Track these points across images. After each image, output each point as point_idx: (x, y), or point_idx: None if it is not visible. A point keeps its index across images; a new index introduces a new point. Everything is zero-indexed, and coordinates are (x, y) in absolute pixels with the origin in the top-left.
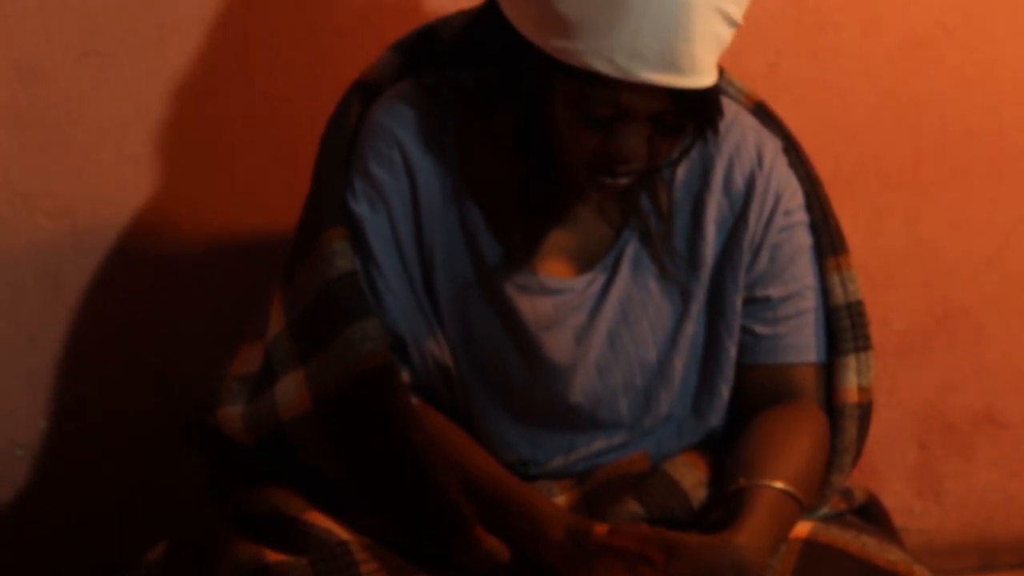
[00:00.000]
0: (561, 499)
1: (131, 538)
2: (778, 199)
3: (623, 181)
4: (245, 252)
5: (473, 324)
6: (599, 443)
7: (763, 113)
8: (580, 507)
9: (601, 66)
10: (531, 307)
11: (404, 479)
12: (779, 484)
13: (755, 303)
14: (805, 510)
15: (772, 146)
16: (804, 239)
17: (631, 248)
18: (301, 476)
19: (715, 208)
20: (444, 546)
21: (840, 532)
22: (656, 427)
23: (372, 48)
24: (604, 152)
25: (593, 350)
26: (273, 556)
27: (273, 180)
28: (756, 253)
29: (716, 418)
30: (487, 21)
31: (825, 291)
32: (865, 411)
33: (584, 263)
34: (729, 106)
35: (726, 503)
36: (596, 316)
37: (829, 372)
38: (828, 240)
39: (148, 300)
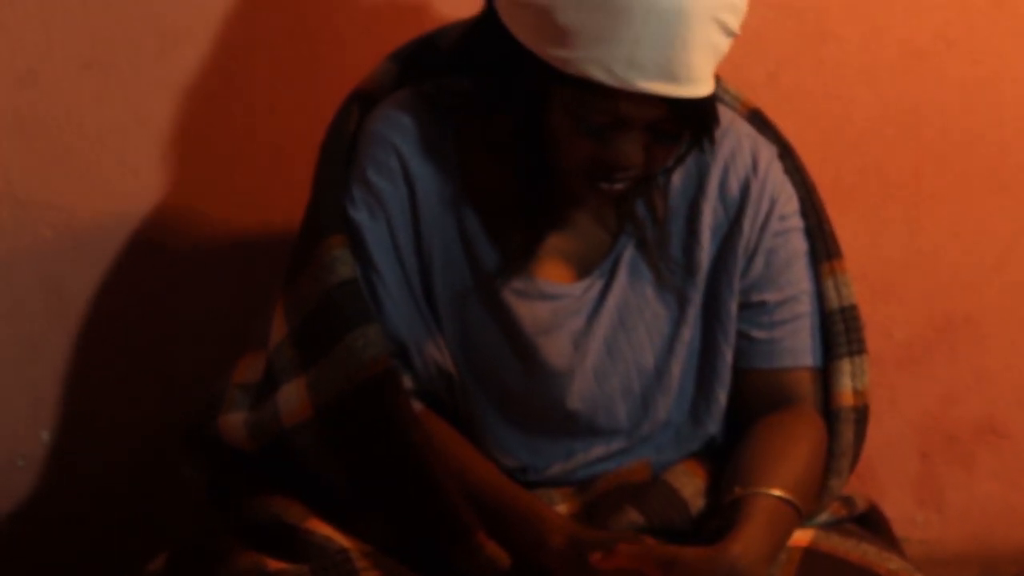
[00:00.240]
0: (562, 508)
1: (132, 549)
2: (773, 204)
3: (619, 187)
4: (247, 261)
5: (471, 329)
6: (598, 449)
7: (758, 120)
8: (581, 516)
9: (599, 75)
10: (529, 312)
11: (406, 484)
12: (776, 491)
13: (751, 308)
14: (804, 516)
15: (767, 152)
16: (799, 244)
17: (628, 254)
18: (302, 484)
19: (710, 214)
20: (445, 552)
21: (841, 541)
22: (654, 433)
23: (372, 58)
24: (601, 159)
25: (591, 355)
26: (274, 564)
27: (274, 189)
28: (751, 258)
29: (714, 424)
30: (485, 29)
31: (820, 296)
32: (861, 414)
33: (581, 269)
34: (724, 113)
35: (723, 513)
36: (593, 322)
37: (825, 376)
38: (823, 245)
39: (150, 310)
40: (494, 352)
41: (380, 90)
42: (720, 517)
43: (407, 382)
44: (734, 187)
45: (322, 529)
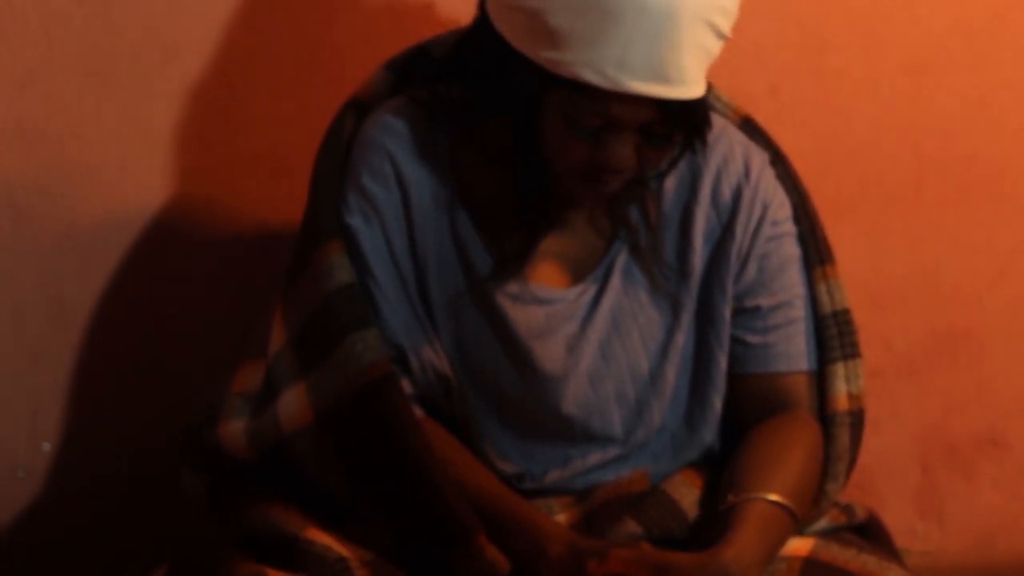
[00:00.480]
0: (561, 517)
1: (133, 559)
2: (765, 210)
3: (611, 188)
4: (247, 269)
5: (466, 334)
6: (594, 456)
7: (750, 128)
8: (580, 526)
9: (591, 77)
10: (523, 317)
11: (406, 488)
12: (770, 496)
13: (745, 313)
14: (800, 520)
15: (759, 158)
16: (792, 250)
17: (622, 259)
18: (302, 492)
19: (703, 220)
20: (445, 556)
21: (841, 550)
22: (650, 440)
23: (371, 66)
24: (593, 161)
25: (585, 360)
26: (273, 574)
27: (274, 196)
28: (744, 263)
29: (710, 431)
30: (478, 34)
31: (813, 300)
32: (857, 418)
33: (575, 273)
34: (716, 120)
35: (719, 520)
36: (587, 326)
37: (819, 381)
38: (815, 251)
39: (150, 319)
40: (489, 356)
41: (375, 98)
42: (716, 524)
43: (406, 386)
44: (726, 193)
45: (321, 538)
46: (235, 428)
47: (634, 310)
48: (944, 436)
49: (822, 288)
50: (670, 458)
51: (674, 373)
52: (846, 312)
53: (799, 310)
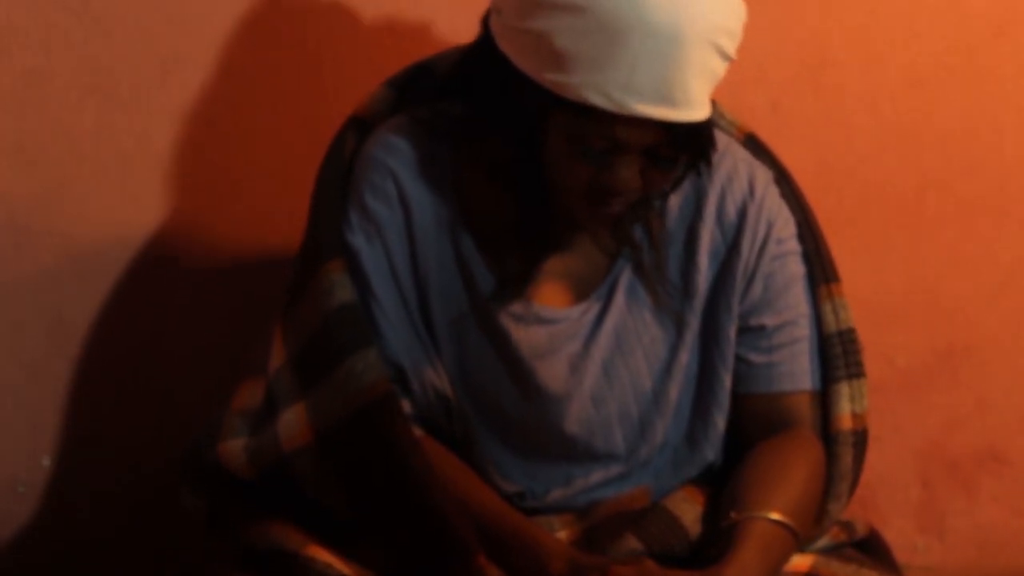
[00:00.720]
0: (562, 534)
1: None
2: (770, 228)
3: (615, 211)
4: (247, 287)
5: (468, 354)
6: (597, 474)
7: (754, 145)
8: (581, 542)
9: (596, 100)
10: (525, 337)
11: (405, 507)
12: (771, 515)
13: (749, 332)
14: (801, 539)
15: (764, 176)
16: (797, 268)
17: (625, 277)
18: (302, 510)
19: (708, 238)
20: (444, 575)
21: (841, 566)
22: (652, 457)
23: (373, 83)
24: (598, 184)
25: (588, 379)
26: None
27: (275, 214)
28: (749, 282)
29: (711, 449)
30: (481, 54)
31: (818, 319)
32: (860, 438)
33: (579, 292)
34: (721, 138)
35: (720, 538)
36: (591, 345)
37: (823, 400)
38: (820, 269)
39: (150, 338)
40: (491, 376)
41: (376, 115)
42: (717, 542)
43: (406, 406)
44: (731, 211)
45: (322, 556)
46: (235, 446)
47: (637, 328)
48: (945, 451)
49: (827, 307)
50: (671, 474)
51: (677, 391)
52: (851, 331)
53: (804, 329)
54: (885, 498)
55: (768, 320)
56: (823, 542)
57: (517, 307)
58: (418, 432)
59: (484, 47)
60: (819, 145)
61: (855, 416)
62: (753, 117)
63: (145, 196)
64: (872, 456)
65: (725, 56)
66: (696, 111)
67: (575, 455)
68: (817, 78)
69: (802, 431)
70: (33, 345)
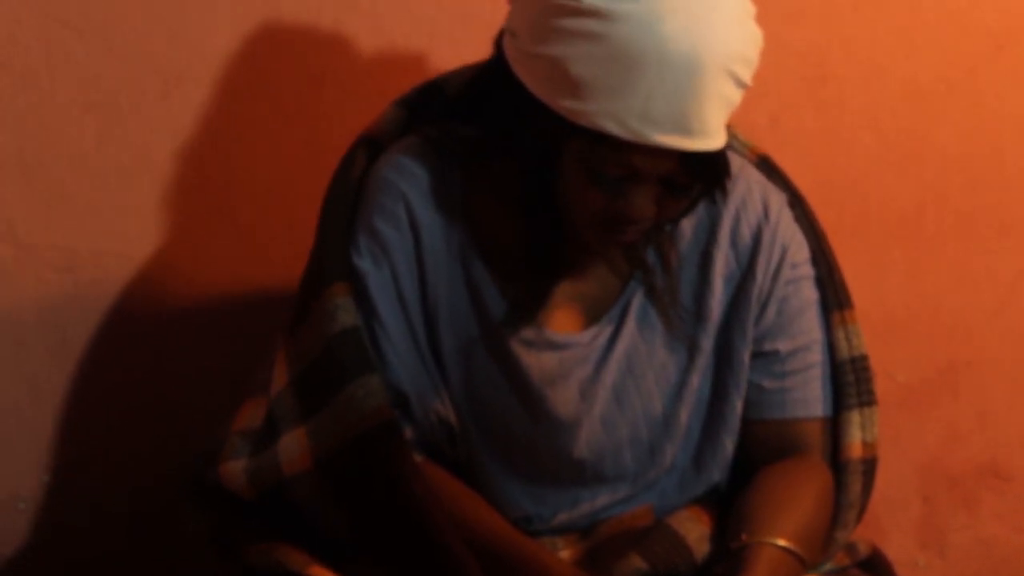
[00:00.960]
0: (565, 553)
1: None
2: (784, 252)
3: (629, 238)
4: (248, 305)
5: (477, 380)
6: (603, 498)
7: (767, 167)
8: (584, 562)
9: (613, 128)
10: (536, 362)
11: (407, 536)
12: (781, 542)
13: (763, 357)
14: (808, 567)
15: (777, 199)
16: (810, 293)
17: (637, 300)
18: (304, 531)
19: (723, 261)
20: None
21: None
22: (659, 479)
23: (376, 103)
24: (612, 211)
25: (598, 404)
26: None
27: (276, 233)
28: (764, 306)
29: (718, 471)
30: (494, 78)
31: (830, 345)
32: (869, 467)
33: (590, 314)
34: (734, 160)
35: (728, 559)
36: (602, 370)
37: (833, 427)
38: (833, 295)
39: (151, 354)
40: (500, 402)
41: (386, 136)
42: (724, 564)
43: (408, 433)
44: (746, 234)
45: None
46: (235, 467)
47: (649, 352)
48: (946, 467)
49: (840, 333)
50: (676, 495)
51: (687, 415)
52: (864, 359)
53: (816, 355)
54: (886, 514)
55: (782, 345)
56: (827, 566)
57: (528, 332)
58: (419, 458)
59: (497, 70)
60: (819, 160)
61: (865, 445)
62: (753, 132)
63: (146, 212)
64: None
65: (741, 84)
66: (712, 140)
67: (583, 479)
68: (817, 93)
69: (812, 457)
70: (34, 361)
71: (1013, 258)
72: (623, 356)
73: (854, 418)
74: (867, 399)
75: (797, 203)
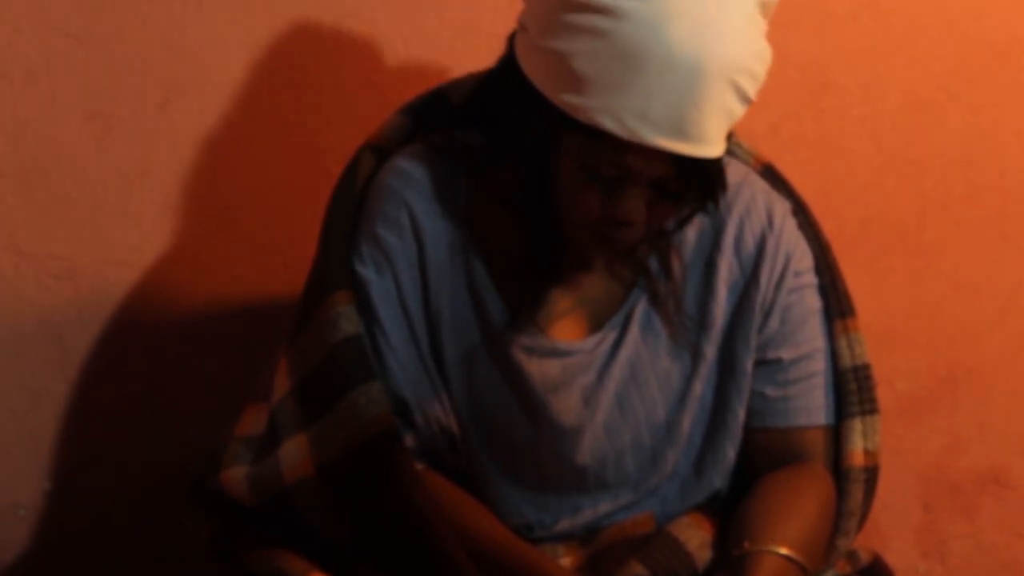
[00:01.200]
0: (566, 560)
1: None
2: (788, 260)
3: (622, 245)
4: (249, 314)
5: (479, 387)
6: (605, 504)
7: (771, 175)
8: (585, 569)
9: (609, 125)
10: (539, 369)
11: (408, 544)
12: (783, 550)
13: (766, 365)
14: (809, 575)
15: (782, 208)
16: (814, 301)
17: (640, 308)
18: (304, 538)
19: (726, 269)
20: None
21: None
22: (661, 485)
23: (377, 111)
24: (604, 212)
25: (601, 411)
26: None
27: (277, 242)
28: (767, 315)
29: (720, 478)
30: (503, 73)
31: (833, 354)
32: (871, 475)
33: (593, 321)
34: (738, 168)
35: (730, 566)
36: (605, 376)
37: (836, 435)
38: (836, 303)
39: (151, 362)
40: (502, 410)
41: (390, 143)
42: (726, 571)
43: (409, 441)
44: (750, 242)
45: None
46: (236, 473)
47: (652, 359)
48: (946, 475)
49: (843, 342)
50: (677, 502)
51: (690, 422)
52: (866, 367)
53: (819, 363)
54: (887, 522)
55: (785, 353)
56: (828, 574)
57: (530, 339)
58: (420, 466)
59: (506, 66)
60: (819, 169)
61: (867, 453)
62: (753, 141)
63: (146, 221)
64: None
65: (744, 98)
66: (709, 148)
67: (585, 486)
68: (817, 102)
69: (814, 466)
70: (34, 368)
71: (1013, 267)
72: (626, 363)
73: (856, 426)
74: (869, 407)
75: (801, 212)
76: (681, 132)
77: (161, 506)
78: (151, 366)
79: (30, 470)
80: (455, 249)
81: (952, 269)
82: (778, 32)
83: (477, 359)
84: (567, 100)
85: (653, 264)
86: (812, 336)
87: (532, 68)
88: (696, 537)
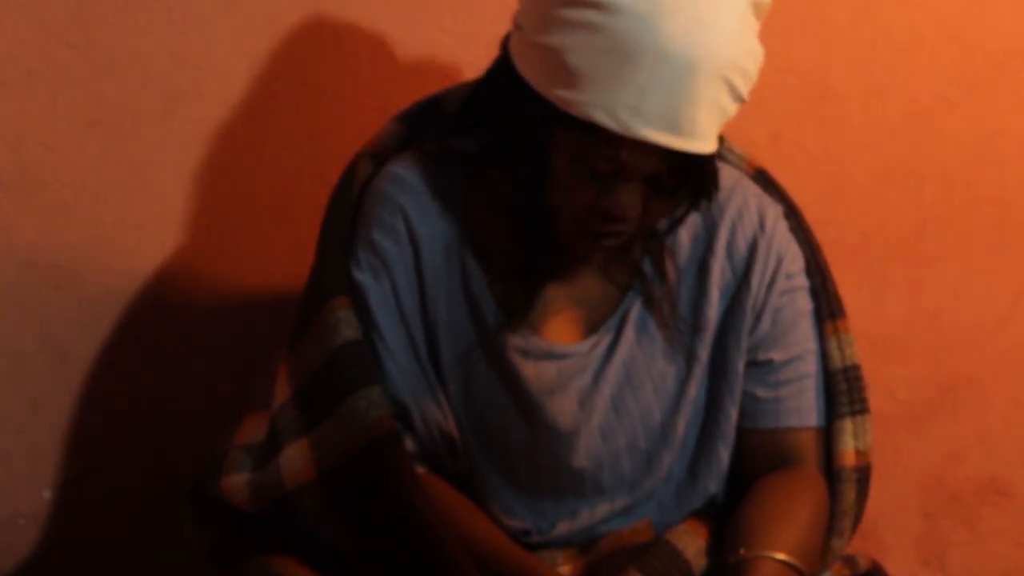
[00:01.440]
0: (565, 569)
1: None
2: (780, 262)
3: (613, 242)
4: (249, 322)
5: (476, 390)
6: (602, 507)
7: (763, 180)
8: None
9: (603, 119)
10: (535, 372)
11: (409, 546)
12: (779, 555)
13: (757, 367)
14: None
15: (773, 211)
16: (805, 303)
17: (635, 310)
18: (304, 544)
19: (719, 272)
20: None
21: None
22: (656, 489)
23: (376, 119)
24: (597, 208)
25: (597, 414)
26: None
27: (277, 251)
28: (759, 316)
29: (714, 482)
30: (498, 72)
31: (823, 355)
32: (863, 474)
33: (589, 324)
34: (731, 172)
35: (727, 573)
36: (600, 379)
37: (827, 436)
38: (827, 305)
39: (152, 371)
40: (499, 413)
41: (386, 151)
42: None
43: (409, 444)
44: (742, 245)
45: None
46: (237, 480)
47: (647, 361)
48: (946, 484)
49: (833, 343)
50: (675, 507)
51: (684, 424)
52: (856, 368)
53: (810, 365)
54: (887, 531)
55: (776, 355)
56: None
57: (526, 342)
58: (421, 470)
59: (501, 65)
60: (820, 178)
61: (858, 453)
62: (754, 149)
63: (147, 230)
64: (874, 488)
65: (736, 95)
66: (702, 143)
67: (582, 489)
68: (818, 111)
69: (807, 468)
70: (34, 378)
71: (1013, 276)
72: (621, 366)
73: (847, 426)
74: (859, 407)
75: (792, 215)
76: (674, 127)
77: (162, 514)
78: (151, 375)
79: (30, 479)
80: (451, 253)
81: (952, 278)
82: (779, 41)
83: (474, 362)
84: (561, 95)
85: (647, 267)
86: (803, 338)
87: (527, 65)
88: (694, 545)
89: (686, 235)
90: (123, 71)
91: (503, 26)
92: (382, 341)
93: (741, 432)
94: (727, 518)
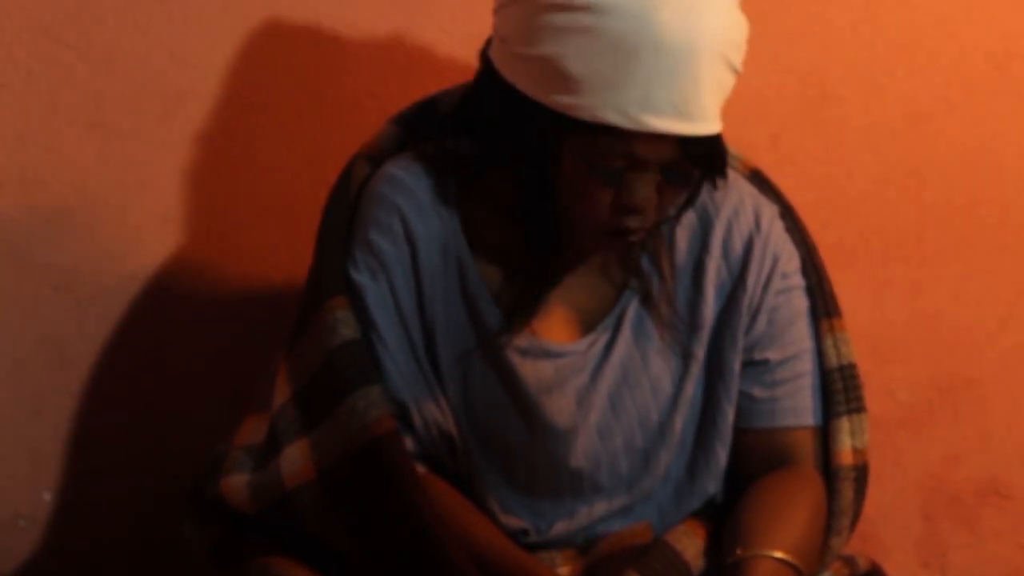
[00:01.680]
0: (564, 570)
1: None
2: (775, 262)
3: (634, 237)
4: (249, 321)
5: (474, 389)
6: (600, 507)
7: (759, 180)
8: None
9: (614, 118)
10: (532, 371)
11: (410, 547)
12: (777, 554)
13: (753, 366)
14: None
15: (769, 211)
16: (801, 303)
17: (632, 309)
18: (304, 545)
19: (714, 271)
20: None
21: None
22: (654, 489)
23: (376, 121)
24: (617, 205)
25: (594, 413)
26: None
27: (277, 252)
28: (755, 316)
29: (713, 482)
30: (485, 86)
31: (819, 354)
32: (861, 473)
33: (586, 323)
34: (727, 172)
35: (725, 573)
36: (598, 378)
37: (824, 435)
38: (822, 304)
39: (152, 371)
40: (497, 411)
41: (383, 153)
42: None
43: (409, 444)
44: (737, 245)
45: None
46: (237, 481)
47: (644, 360)
48: (946, 486)
49: (829, 342)
50: (673, 507)
51: (681, 423)
52: (852, 367)
53: (807, 364)
54: (887, 532)
55: (772, 354)
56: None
57: (523, 341)
58: (421, 469)
59: (486, 80)
60: (819, 179)
61: (856, 451)
62: (753, 151)
63: (147, 230)
64: (873, 490)
65: (734, 69)
66: (711, 124)
67: (580, 489)
68: (817, 112)
69: (804, 467)
70: (34, 379)
71: (1013, 277)
72: (619, 365)
73: (843, 425)
74: (856, 406)
75: (788, 215)
76: (684, 113)
77: (161, 516)
78: (151, 376)
79: (30, 480)
80: (448, 253)
81: (952, 279)
82: (779, 43)
83: (472, 362)
84: (564, 101)
85: (645, 265)
86: (799, 337)
87: (519, 77)
88: (693, 546)
89: (682, 234)
90: (123, 73)
91: None
92: (380, 341)
93: (738, 432)
94: (725, 518)
